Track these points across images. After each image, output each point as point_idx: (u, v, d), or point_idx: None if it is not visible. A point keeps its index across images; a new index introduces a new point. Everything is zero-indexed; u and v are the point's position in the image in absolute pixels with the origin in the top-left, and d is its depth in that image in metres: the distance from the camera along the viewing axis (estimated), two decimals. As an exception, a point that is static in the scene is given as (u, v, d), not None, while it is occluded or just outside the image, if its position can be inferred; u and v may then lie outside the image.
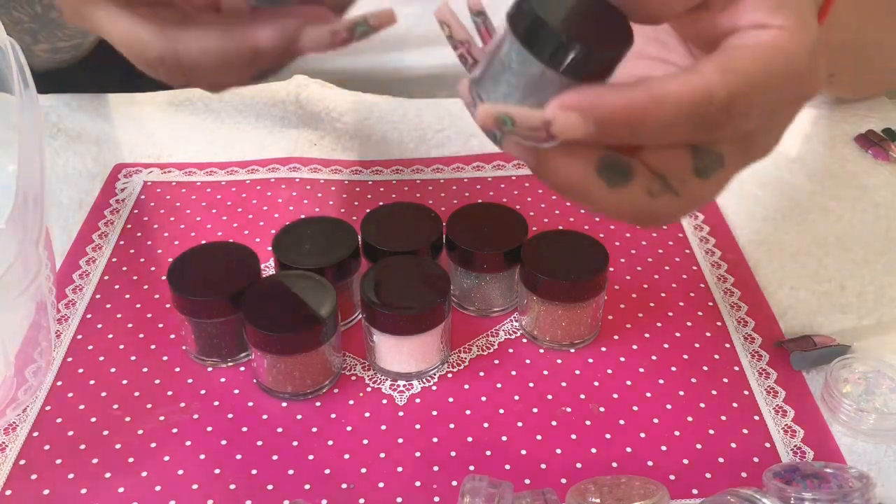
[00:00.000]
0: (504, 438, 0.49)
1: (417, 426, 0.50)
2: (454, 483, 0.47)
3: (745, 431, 0.49)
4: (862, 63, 0.67)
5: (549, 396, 0.52)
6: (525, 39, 0.33)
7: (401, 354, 0.52)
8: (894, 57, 0.67)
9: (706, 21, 0.36)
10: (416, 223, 0.57)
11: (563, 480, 0.47)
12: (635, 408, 0.51)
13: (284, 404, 0.51)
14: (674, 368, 0.53)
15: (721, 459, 0.48)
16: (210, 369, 0.53)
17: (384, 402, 0.52)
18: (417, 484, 0.47)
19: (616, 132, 0.33)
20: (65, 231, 0.64)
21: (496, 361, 0.54)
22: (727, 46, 0.35)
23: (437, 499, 0.46)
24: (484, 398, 0.52)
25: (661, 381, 0.52)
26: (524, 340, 0.55)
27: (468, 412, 0.51)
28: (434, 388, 0.52)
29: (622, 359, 0.54)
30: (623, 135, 0.33)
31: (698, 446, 0.49)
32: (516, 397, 0.52)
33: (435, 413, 0.51)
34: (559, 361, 0.54)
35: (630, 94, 0.32)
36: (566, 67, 0.32)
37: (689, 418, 0.50)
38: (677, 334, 0.55)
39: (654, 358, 0.54)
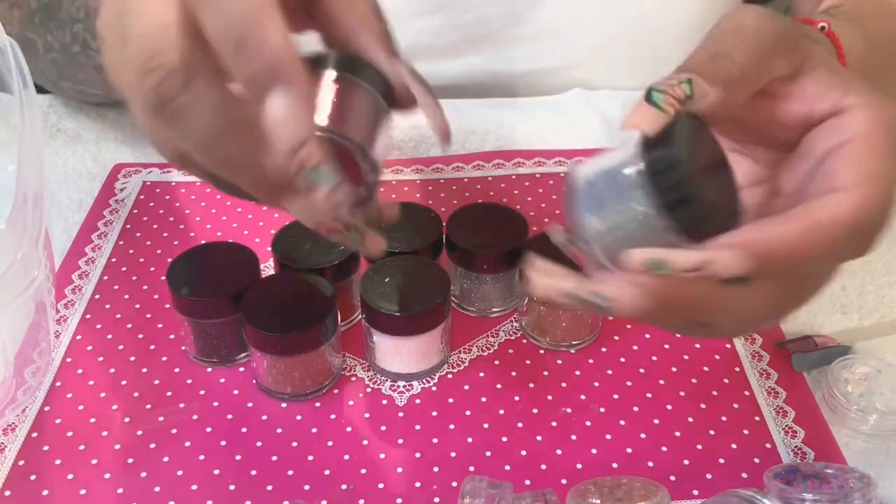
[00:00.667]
0: (504, 439, 0.49)
1: (417, 427, 0.50)
2: (454, 484, 0.47)
3: (746, 432, 0.49)
4: None
5: (550, 397, 0.52)
6: (668, 210, 0.32)
7: (401, 355, 0.52)
8: None
9: (768, 109, 0.36)
10: (416, 223, 0.57)
11: (564, 481, 0.47)
12: (635, 408, 0.51)
13: (284, 405, 0.51)
14: (674, 369, 0.53)
15: (722, 460, 0.48)
16: (210, 370, 0.53)
17: (384, 402, 0.51)
18: (417, 484, 0.47)
19: (777, 265, 0.32)
20: (65, 231, 0.64)
21: (496, 362, 0.54)
22: (828, 152, 0.34)
23: (437, 499, 0.46)
24: (484, 399, 0.52)
25: (661, 382, 0.52)
26: (524, 341, 0.55)
27: (468, 413, 0.51)
28: (434, 388, 0.52)
29: (622, 359, 0.54)
30: (780, 267, 0.32)
31: (699, 447, 0.49)
32: (516, 398, 0.52)
33: (435, 414, 0.51)
34: (559, 362, 0.54)
35: (788, 226, 0.32)
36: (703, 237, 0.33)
37: (690, 419, 0.50)
38: (677, 334, 0.55)
39: (654, 358, 0.54)
